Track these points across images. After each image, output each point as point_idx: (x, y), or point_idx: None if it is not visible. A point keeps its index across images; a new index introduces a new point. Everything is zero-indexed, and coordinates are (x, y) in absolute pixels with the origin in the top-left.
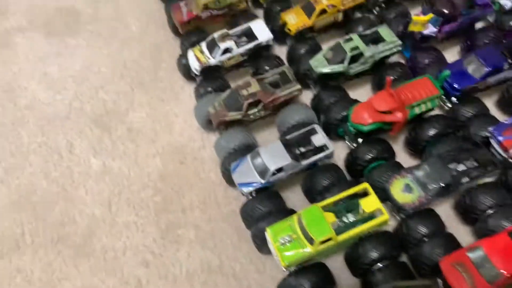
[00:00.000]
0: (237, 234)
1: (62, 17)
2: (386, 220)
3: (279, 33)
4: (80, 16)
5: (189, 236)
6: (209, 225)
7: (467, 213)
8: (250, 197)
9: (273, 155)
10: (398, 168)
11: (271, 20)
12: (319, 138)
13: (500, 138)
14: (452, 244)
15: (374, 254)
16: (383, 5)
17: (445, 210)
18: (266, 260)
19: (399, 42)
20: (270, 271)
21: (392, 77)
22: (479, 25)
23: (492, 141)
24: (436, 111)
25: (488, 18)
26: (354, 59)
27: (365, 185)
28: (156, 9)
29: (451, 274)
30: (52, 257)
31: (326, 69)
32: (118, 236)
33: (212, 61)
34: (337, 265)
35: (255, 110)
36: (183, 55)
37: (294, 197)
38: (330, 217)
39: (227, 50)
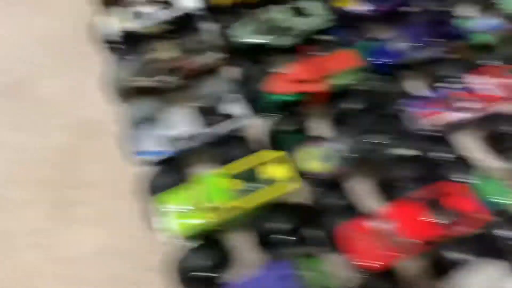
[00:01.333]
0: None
1: None
2: (296, 187)
3: (210, 9)
4: None
5: (87, 216)
6: (112, 203)
7: (385, 186)
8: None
9: (181, 120)
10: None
11: None
12: (235, 107)
13: (414, 109)
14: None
15: (279, 225)
16: None
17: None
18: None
19: (330, 16)
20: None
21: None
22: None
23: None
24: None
25: None
26: (275, 31)
27: (280, 153)
28: None
29: (347, 240)
30: None
31: (247, 39)
32: (3, 217)
33: (128, 26)
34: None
35: (169, 77)
36: (100, 22)
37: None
38: (237, 184)
39: (142, 15)
